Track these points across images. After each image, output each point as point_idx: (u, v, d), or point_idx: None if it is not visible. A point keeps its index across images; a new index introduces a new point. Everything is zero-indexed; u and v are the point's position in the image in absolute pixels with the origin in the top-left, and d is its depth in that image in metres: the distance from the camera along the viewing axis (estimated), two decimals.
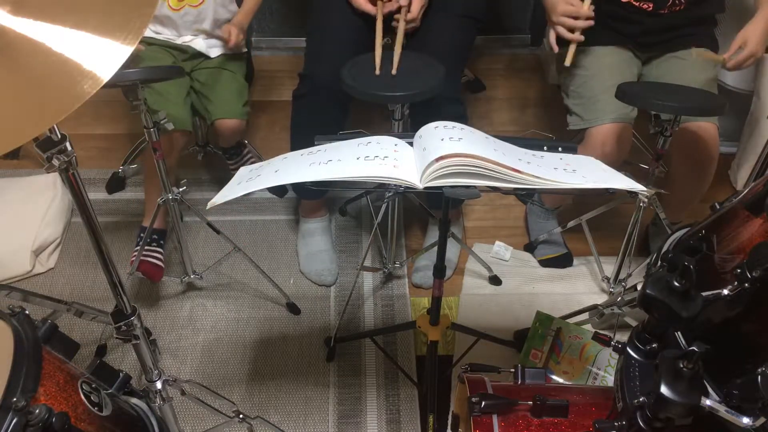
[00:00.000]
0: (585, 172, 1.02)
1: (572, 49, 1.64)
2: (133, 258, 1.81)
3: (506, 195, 2.27)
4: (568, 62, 1.64)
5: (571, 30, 1.62)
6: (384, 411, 1.69)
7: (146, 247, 1.85)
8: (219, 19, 1.87)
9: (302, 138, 1.18)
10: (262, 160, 1.25)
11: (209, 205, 0.99)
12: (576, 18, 1.61)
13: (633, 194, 1.68)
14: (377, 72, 1.51)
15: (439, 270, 1.38)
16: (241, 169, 1.11)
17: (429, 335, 1.49)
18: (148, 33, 1.86)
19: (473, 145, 0.98)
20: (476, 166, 0.94)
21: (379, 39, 1.58)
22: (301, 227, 2.08)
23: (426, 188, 0.95)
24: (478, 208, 2.24)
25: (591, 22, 1.61)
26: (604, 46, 1.72)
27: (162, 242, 1.91)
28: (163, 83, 1.77)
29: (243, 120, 1.91)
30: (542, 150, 1.09)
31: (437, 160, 0.94)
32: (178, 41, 1.87)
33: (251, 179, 1.02)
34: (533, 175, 0.96)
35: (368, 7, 1.68)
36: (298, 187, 2.06)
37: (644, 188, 1.01)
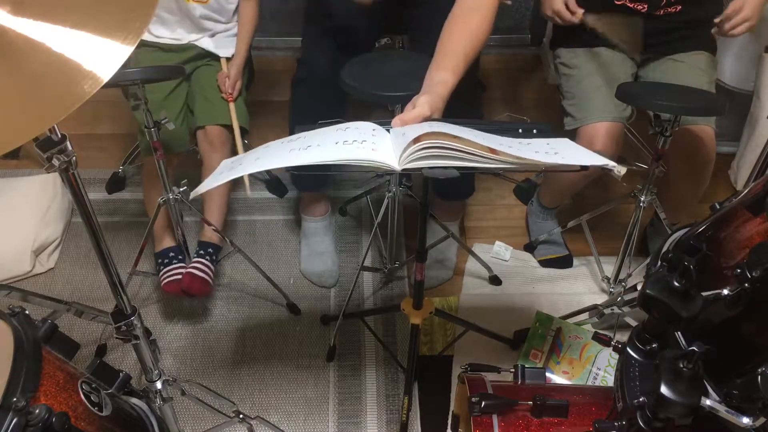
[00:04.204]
0: (566, 153, 1.05)
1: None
2: (164, 281, 1.81)
3: (506, 195, 2.27)
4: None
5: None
6: (384, 411, 1.69)
7: (168, 267, 1.84)
8: (225, 14, 1.88)
9: (302, 124, 1.19)
10: None
11: (192, 194, 1.01)
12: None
13: (632, 195, 1.68)
14: None
15: (420, 254, 1.38)
16: (224, 161, 1.12)
17: (411, 319, 1.50)
18: (149, 37, 1.85)
19: (451, 129, 1.00)
20: (453, 149, 0.96)
21: None
22: (303, 226, 2.07)
23: (404, 170, 0.97)
24: (478, 208, 2.24)
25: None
26: (598, 46, 1.72)
27: (181, 258, 1.86)
28: (160, 104, 1.77)
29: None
30: (518, 133, 1.10)
31: (414, 141, 0.96)
32: (184, 41, 1.86)
33: (233, 168, 1.04)
34: (510, 155, 0.98)
35: None
36: (296, 180, 2.05)
37: (616, 164, 1.01)
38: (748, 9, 1.52)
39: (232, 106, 1.84)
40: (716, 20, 1.57)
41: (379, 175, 1.77)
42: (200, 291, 1.77)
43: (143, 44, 1.84)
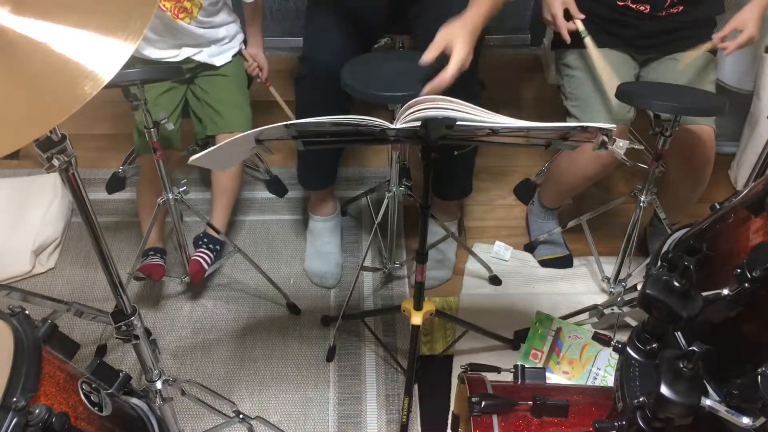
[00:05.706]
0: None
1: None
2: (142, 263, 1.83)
3: (506, 195, 2.27)
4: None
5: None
6: (384, 411, 1.69)
7: (149, 258, 1.87)
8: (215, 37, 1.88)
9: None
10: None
11: (190, 160, 1.03)
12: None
13: (632, 195, 1.68)
14: None
15: (421, 256, 1.38)
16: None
17: (411, 319, 1.50)
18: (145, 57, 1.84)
19: (458, 104, 1.05)
20: (448, 108, 1.02)
21: None
22: (310, 225, 2.06)
23: (399, 129, 1.02)
24: (478, 208, 2.24)
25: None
26: (601, 48, 1.72)
27: (162, 256, 1.89)
28: (153, 101, 1.78)
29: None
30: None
31: (411, 105, 1.03)
32: (178, 58, 1.84)
33: (235, 137, 1.09)
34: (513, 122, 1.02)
35: None
36: (302, 179, 2.04)
37: (613, 125, 1.02)
38: (752, 28, 1.54)
39: (272, 89, 2.06)
40: (717, 36, 1.59)
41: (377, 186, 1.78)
42: (199, 280, 1.84)
43: (140, 61, 1.83)
